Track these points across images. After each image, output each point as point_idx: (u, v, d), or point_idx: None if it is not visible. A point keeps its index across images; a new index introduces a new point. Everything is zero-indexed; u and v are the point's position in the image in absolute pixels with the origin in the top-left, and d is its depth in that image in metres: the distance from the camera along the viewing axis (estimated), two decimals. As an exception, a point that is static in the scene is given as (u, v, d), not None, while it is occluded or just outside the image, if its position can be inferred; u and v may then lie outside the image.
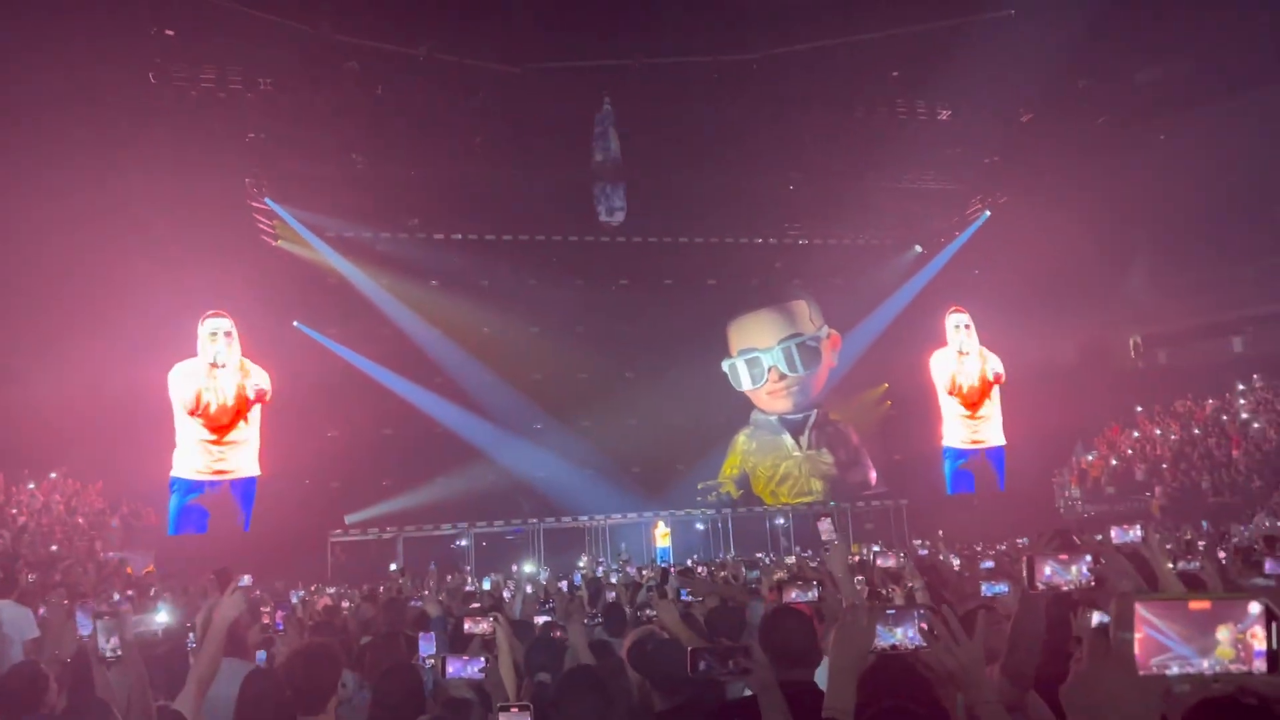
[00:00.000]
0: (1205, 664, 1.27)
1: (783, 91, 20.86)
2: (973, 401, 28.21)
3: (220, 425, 22.40)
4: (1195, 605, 1.29)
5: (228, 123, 20.02)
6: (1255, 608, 1.26)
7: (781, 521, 26.88)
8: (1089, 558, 2.68)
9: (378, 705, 4.11)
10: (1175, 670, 1.29)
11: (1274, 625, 1.25)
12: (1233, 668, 1.26)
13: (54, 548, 17.73)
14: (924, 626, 2.52)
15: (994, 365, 28.42)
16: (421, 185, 23.19)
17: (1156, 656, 1.29)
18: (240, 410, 22.62)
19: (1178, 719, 1.59)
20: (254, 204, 23.08)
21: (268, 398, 22.89)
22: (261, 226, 23.93)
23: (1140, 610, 1.29)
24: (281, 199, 23.16)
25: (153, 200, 19.63)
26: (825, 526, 5.14)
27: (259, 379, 22.90)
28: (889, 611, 2.67)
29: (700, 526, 26.88)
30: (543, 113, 21.12)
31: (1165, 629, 1.28)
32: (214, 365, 22.31)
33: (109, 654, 3.42)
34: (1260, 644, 1.25)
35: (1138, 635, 1.29)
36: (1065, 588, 2.70)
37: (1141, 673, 1.30)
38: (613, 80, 20.46)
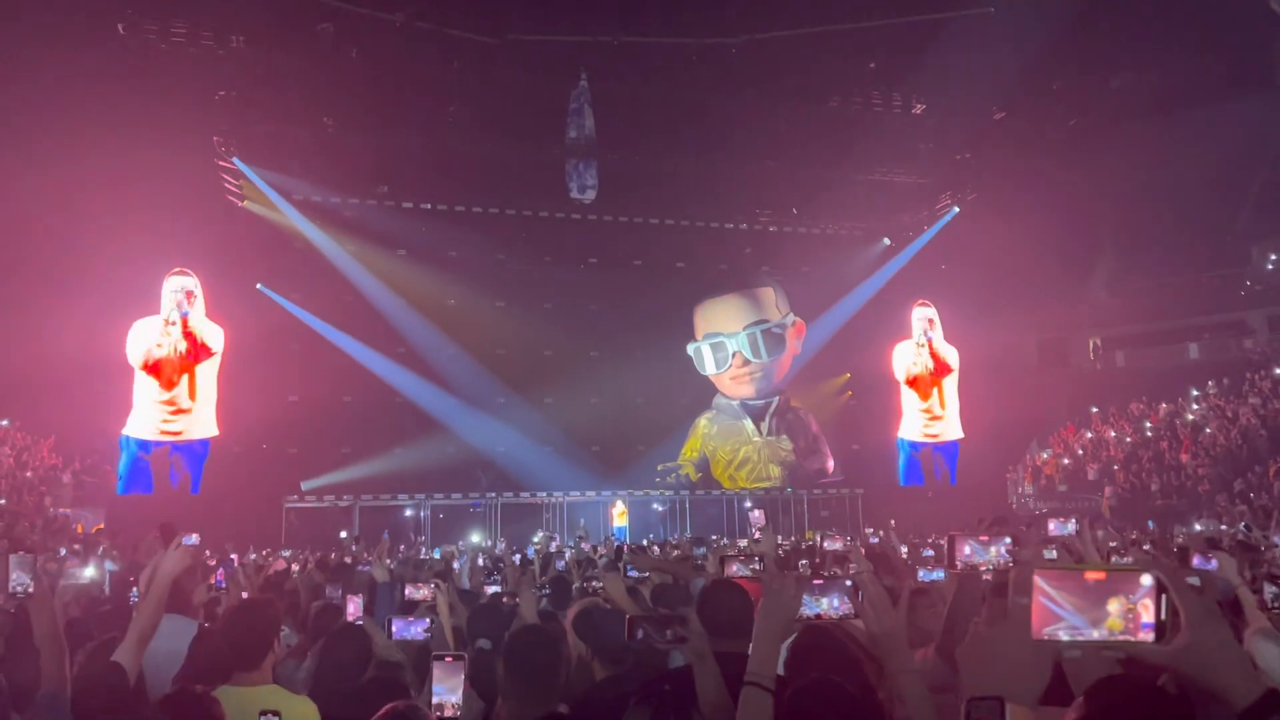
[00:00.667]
0: (1095, 634, 1.32)
1: (760, 77, 20.91)
2: (925, 393, 28.47)
3: (170, 382, 22.09)
4: (1091, 576, 1.33)
5: (198, 79, 19.71)
6: (1147, 580, 1.30)
7: (749, 505, 27.03)
8: (1008, 540, 2.74)
9: (325, 659, 4.13)
10: (1065, 638, 1.33)
11: (1163, 598, 1.29)
12: (1120, 638, 1.30)
13: (0, 501, 17.47)
14: (852, 595, 2.57)
15: (949, 358, 28.67)
16: (392, 152, 23.00)
17: (1049, 625, 1.33)
18: (185, 366, 22.27)
19: (1082, 690, 1.64)
20: (221, 163, 22.76)
21: (212, 354, 22.54)
22: (228, 186, 23.60)
23: (1038, 579, 1.33)
24: (249, 159, 22.85)
25: (118, 154, 19.29)
26: (756, 517, 5.24)
27: (210, 337, 22.58)
28: (815, 582, 2.72)
29: (658, 508, 26.98)
30: (519, 85, 21.01)
31: (1059, 599, 1.32)
32: (168, 322, 21.99)
33: (19, 591, 3.40)
34: (1149, 616, 1.29)
35: (1034, 603, 1.33)
36: (983, 568, 2.76)
37: (1034, 638, 1.34)
38: (591, 56, 20.39)
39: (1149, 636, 1.30)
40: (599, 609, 4.62)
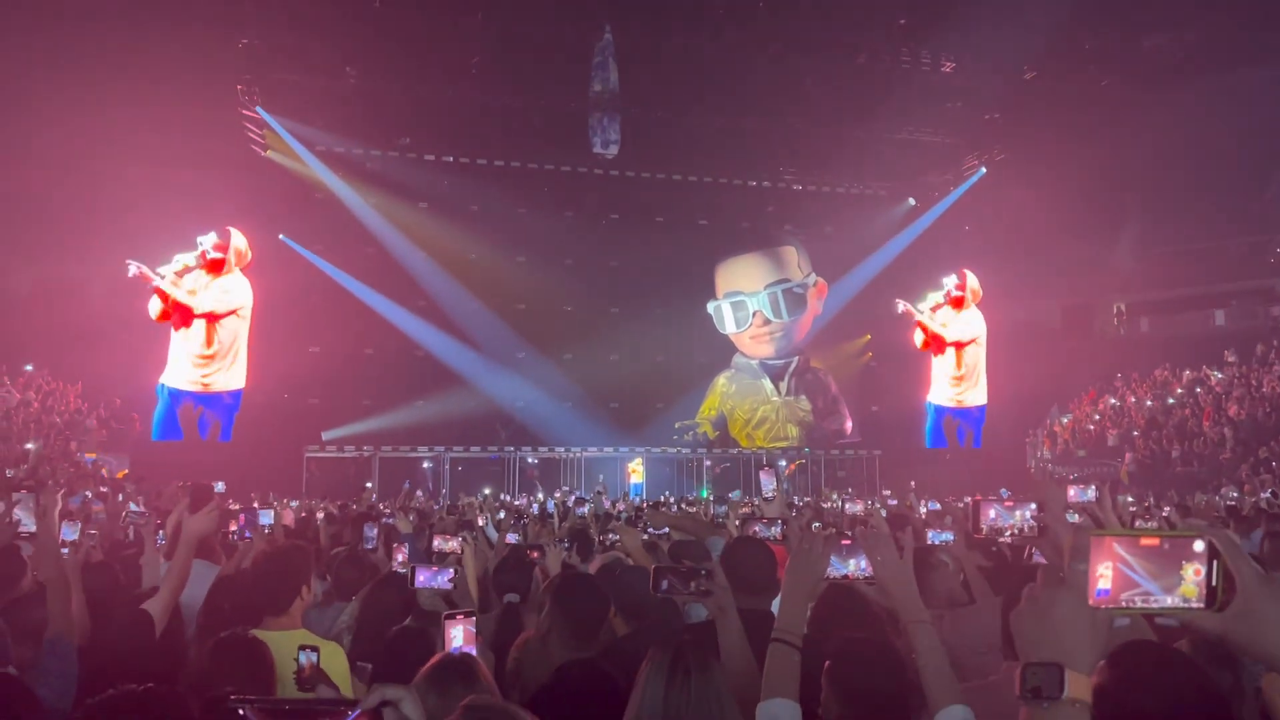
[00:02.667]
0: (1169, 600, 1.30)
1: (787, 32, 20.59)
2: (955, 359, 28.09)
3: (196, 335, 22.18)
4: (1146, 542, 1.32)
5: (222, 26, 19.60)
6: (1199, 545, 1.29)
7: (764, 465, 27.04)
8: (1033, 506, 2.74)
9: (368, 607, 4.20)
10: (1139, 605, 1.31)
11: (1215, 563, 1.28)
12: (1193, 604, 1.29)
13: (29, 445, 17.72)
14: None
15: (967, 326, 28.10)
16: (415, 104, 22.86)
17: (1126, 591, 1.31)
18: (206, 318, 22.32)
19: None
20: (245, 112, 22.70)
21: (233, 311, 22.56)
22: (251, 136, 23.56)
23: (1115, 545, 1.32)
24: (273, 109, 22.78)
25: (143, 101, 19.29)
26: (766, 479, 5.23)
27: (232, 293, 22.59)
28: (844, 543, 2.73)
29: (674, 465, 27.11)
30: (543, 37, 20.77)
31: (1134, 564, 1.31)
32: (177, 273, 21.87)
33: (23, 531, 3.45)
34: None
35: (1109, 569, 1.32)
36: (1009, 532, 2.76)
37: (1107, 606, 1.32)
38: (616, 8, 20.11)
39: (1200, 604, 1.29)
40: (621, 564, 4.66)
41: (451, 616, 2.97)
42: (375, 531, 6.55)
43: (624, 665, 3.61)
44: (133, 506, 9.23)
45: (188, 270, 21.80)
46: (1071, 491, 5.47)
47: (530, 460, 25.40)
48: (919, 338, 27.56)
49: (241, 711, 1.25)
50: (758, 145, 25.37)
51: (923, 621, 2.41)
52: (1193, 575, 1.29)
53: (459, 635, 2.93)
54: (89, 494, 13.38)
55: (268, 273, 22.79)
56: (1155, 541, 1.32)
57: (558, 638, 3.21)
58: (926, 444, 27.91)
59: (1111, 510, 4.82)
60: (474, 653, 2.88)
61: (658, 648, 2.57)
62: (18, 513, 3.51)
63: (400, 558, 5.28)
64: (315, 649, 2.98)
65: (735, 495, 19.05)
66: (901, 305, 26.99)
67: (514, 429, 25.56)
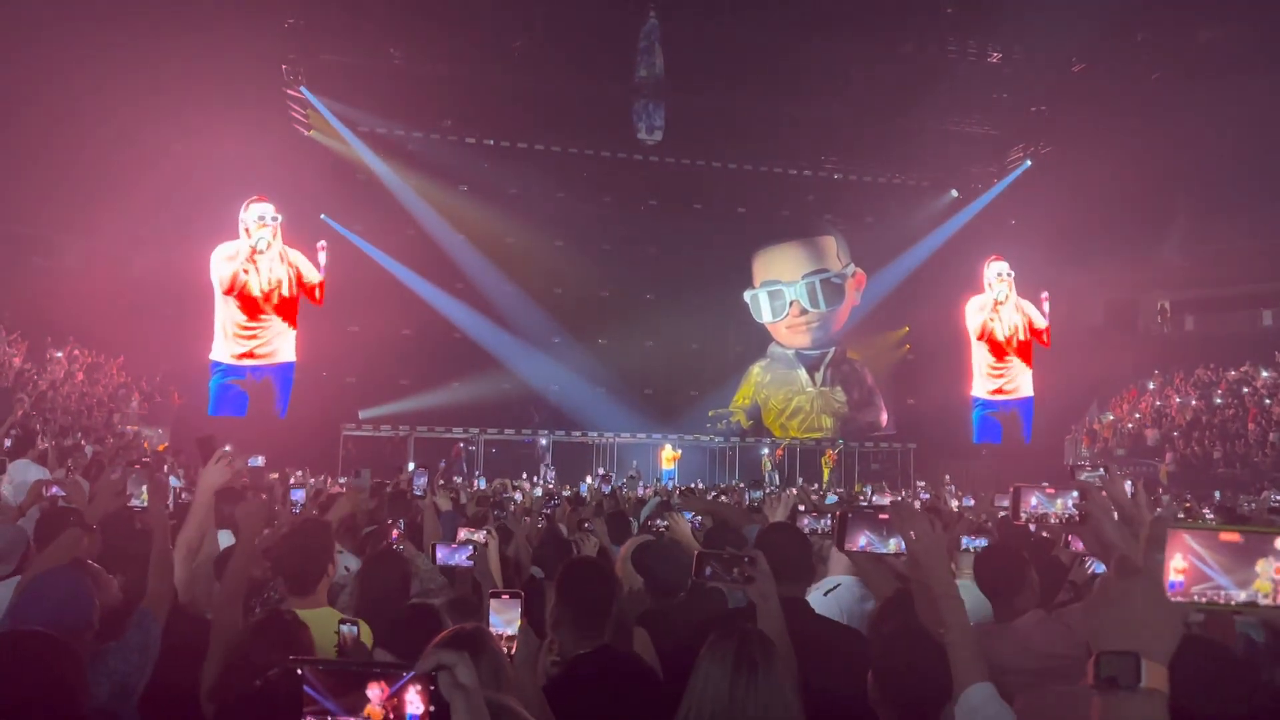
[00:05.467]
0: (1243, 595, 1.30)
1: (833, 20, 20.39)
2: (1003, 351, 27.85)
3: (257, 308, 22.42)
4: (1225, 537, 1.31)
5: (268, 6, 19.77)
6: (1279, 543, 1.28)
7: (764, 451, 27.00)
8: (1075, 493, 2.71)
9: (365, 583, 4.20)
10: (1213, 599, 1.31)
11: None
12: (1265, 601, 1.28)
13: (73, 417, 18.06)
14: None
15: (1035, 318, 27.90)
16: (457, 86, 22.91)
17: (1198, 584, 1.31)
18: (283, 296, 22.62)
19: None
20: (289, 91, 22.89)
21: (314, 284, 22.89)
22: (295, 115, 23.77)
23: (1187, 538, 1.32)
24: (316, 89, 22.95)
25: (190, 79, 19.50)
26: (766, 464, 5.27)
27: (305, 268, 22.89)
28: (881, 517, 2.72)
29: (706, 453, 27.09)
30: (587, 21, 20.73)
31: (1208, 558, 1.31)
32: (255, 250, 22.24)
33: (136, 504, 3.53)
34: None
35: (1184, 563, 1.32)
36: (1053, 519, 2.74)
37: (1180, 599, 1.32)
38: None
39: (1276, 601, 1.29)
40: (658, 544, 4.66)
41: (497, 595, 2.99)
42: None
43: (661, 630, 3.64)
44: (173, 480, 9.36)
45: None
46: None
47: (543, 443, 25.43)
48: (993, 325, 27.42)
49: (300, 671, 1.28)
50: (800, 133, 25.18)
51: (952, 597, 2.39)
52: (1272, 572, 1.28)
53: (504, 611, 2.95)
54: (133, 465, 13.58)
55: (308, 251, 23.00)
56: (1235, 537, 1.31)
57: (567, 630, 3.21)
58: (974, 439, 27.58)
59: (1146, 507, 4.74)
60: (513, 632, 2.89)
61: (720, 636, 2.53)
62: (130, 487, 3.62)
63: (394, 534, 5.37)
64: (356, 622, 3.02)
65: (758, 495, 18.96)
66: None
67: (547, 412, 25.66)
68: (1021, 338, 27.91)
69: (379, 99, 23.27)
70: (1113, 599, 1.36)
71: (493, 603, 2.96)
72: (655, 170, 26.04)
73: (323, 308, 23.00)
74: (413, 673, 1.31)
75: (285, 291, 22.61)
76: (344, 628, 3.01)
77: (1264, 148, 23.96)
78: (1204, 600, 1.31)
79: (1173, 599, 1.32)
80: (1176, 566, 1.32)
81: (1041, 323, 27.90)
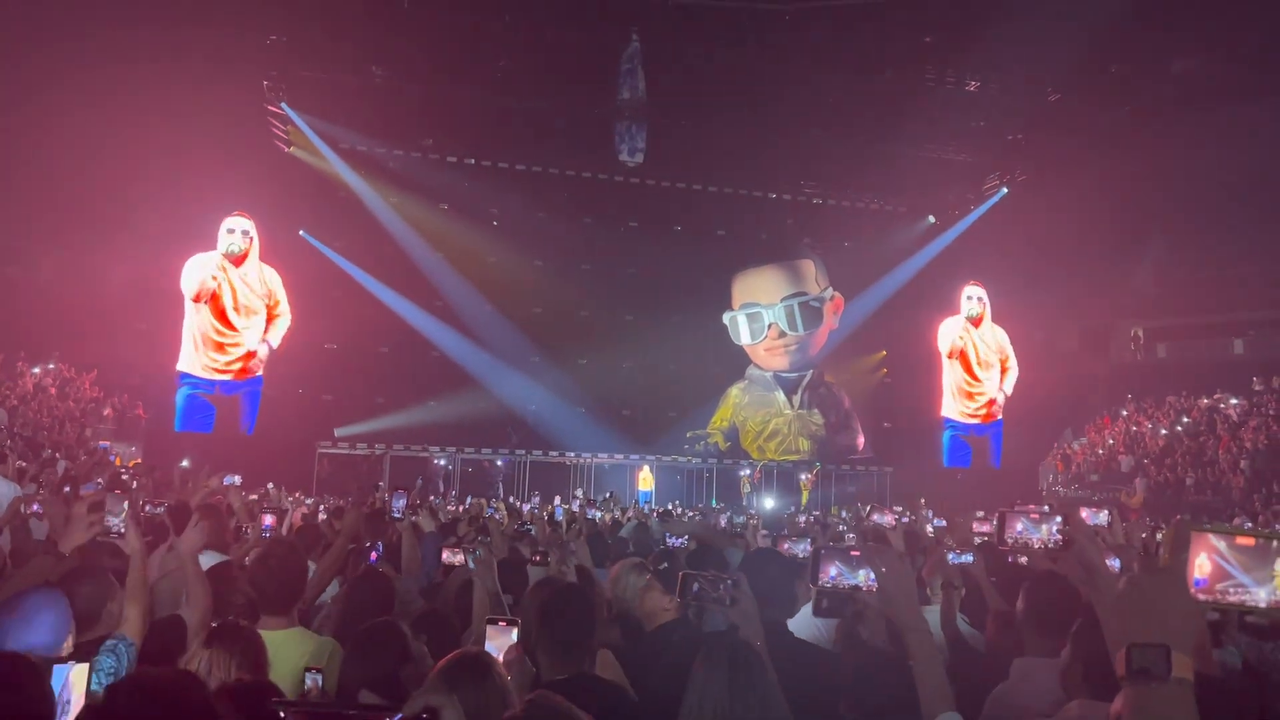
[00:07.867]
0: (1262, 593, 1.40)
1: (813, 46, 20.57)
2: (974, 374, 27.96)
3: (224, 318, 22.15)
4: (1241, 540, 1.42)
5: (250, 22, 19.74)
6: None
7: (745, 472, 27.03)
8: (1059, 519, 2.74)
9: (350, 603, 4.18)
10: (1232, 598, 1.41)
11: None
12: None
13: (44, 433, 17.83)
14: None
15: (1004, 343, 28.00)
16: (439, 105, 22.94)
17: (1221, 582, 1.41)
18: (251, 308, 22.42)
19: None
20: (270, 108, 22.84)
21: (279, 303, 22.72)
22: (275, 131, 23.71)
23: (1211, 538, 1.42)
24: (297, 105, 22.92)
25: (169, 93, 19.42)
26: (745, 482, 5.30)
27: (275, 284, 22.73)
28: (853, 554, 2.72)
29: (684, 474, 27.07)
30: (569, 42, 20.82)
31: (1230, 557, 1.41)
32: (228, 256, 22.03)
33: (113, 530, 3.49)
34: None
35: (1207, 561, 1.42)
36: (1036, 544, 2.77)
37: (1204, 596, 1.42)
38: (643, 16, 20.14)
39: None
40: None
41: (494, 622, 2.99)
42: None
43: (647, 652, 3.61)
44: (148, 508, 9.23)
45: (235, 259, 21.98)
46: (1084, 512, 5.44)
47: (498, 463, 25.36)
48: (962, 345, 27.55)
49: (283, 715, 1.25)
50: (779, 158, 25.34)
51: (920, 630, 2.43)
52: None
53: (497, 638, 2.95)
54: (100, 481, 13.42)
55: (286, 268, 22.91)
56: (1250, 541, 1.42)
57: (544, 656, 3.18)
58: (944, 462, 27.68)
59: (1123, 534, 4.79)
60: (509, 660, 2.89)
61: (711, 647, 2.59)
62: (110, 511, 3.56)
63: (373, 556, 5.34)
64: (320, 671, 2.97)
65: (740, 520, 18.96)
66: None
67: (525, 432, 25.58)
68: (996, 358, 28.04)
69: (360, 116, 23.27)
70: (1142, 594, 1.44)
71: (489, 629, 2.96)
72: (636, 192, 26.13)
73: (300, 325, 22.86)
74: (399, 716, 1.29)
75: (256, 306, 22.42)
76: (309, 676, 2.93)
77: (1237, 178, 24.37)
78: (1226, 600, 1.42)
79: (1199, 595, 1.42)
80: (1202, 564, 1.42)
81: (1006, 351, 28.00)
